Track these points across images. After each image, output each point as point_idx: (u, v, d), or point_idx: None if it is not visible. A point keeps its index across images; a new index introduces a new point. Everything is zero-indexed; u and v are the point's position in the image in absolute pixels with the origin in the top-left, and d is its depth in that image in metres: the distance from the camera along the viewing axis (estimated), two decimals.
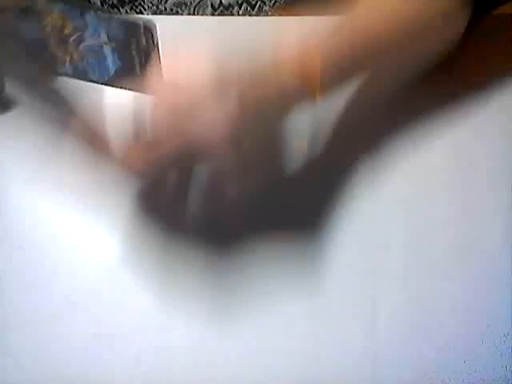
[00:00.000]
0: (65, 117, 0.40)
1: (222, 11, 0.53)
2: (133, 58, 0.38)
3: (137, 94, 0.35)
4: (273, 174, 0.41)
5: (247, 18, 0.51)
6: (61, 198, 0.42)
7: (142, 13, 0.60)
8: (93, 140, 0.36)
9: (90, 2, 0.48)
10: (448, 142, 0.45)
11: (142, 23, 0.38)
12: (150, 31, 0.37)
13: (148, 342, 0.37)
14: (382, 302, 0.39)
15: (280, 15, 0.39)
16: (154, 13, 0.61)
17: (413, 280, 0.40)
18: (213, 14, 0.54)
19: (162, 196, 0.40)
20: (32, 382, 0.36)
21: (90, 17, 0.39)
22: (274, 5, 0.50)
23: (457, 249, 0.41)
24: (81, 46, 0.41)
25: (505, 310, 0.38)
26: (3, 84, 0.43)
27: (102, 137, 0.36)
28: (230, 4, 0.53)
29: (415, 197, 0.43)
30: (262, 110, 0.34)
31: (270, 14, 0.40)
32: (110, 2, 0.57)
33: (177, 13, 0.55)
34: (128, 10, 0.59)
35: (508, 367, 0.37)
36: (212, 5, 0.53)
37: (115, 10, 0.59)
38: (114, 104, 0.37)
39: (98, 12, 0.39)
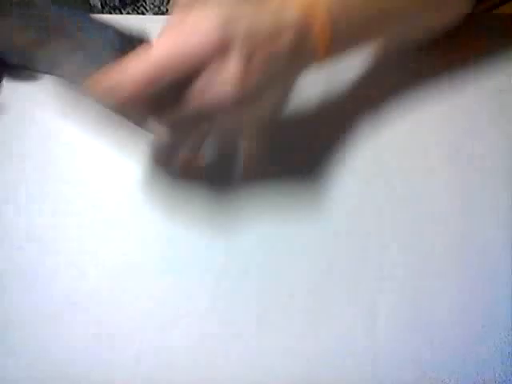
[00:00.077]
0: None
1: None
2: None
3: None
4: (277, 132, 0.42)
5: None
6: (61, 198, 0.42)
7: (143, 14, 0.60)
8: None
9: (90, 4, 0.48)
10: (448, 141, 0.45)
11: (135, 37, 0.38)
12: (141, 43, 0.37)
13: (148, 341, 0.37)
14: (382, 302, 0.39)
15: None
16: (156, 13, 0.61)
17: (413, 280, 0.39)
18: None
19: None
20: (32, 381, 0.36)
21: (85, 23, 0.39)
22: None
23: (457, 249, 0.41)
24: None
25: (505, 310, 0.38)
26: None
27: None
28: None
29: (415, 197, 0.43)
30: (270, 70, 0.34)
31: None
32: (112, 4, 0.57)
33: None
34: (130, 12, 0.59)
35: (508, 367, 0.37)
36: None
37: (117, 11, 0.59)
38: None
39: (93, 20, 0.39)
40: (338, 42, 0.38)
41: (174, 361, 0.37)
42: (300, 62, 0.37)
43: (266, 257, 0.40)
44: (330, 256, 0.40)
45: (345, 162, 0.44)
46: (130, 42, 0.38)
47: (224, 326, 0.38)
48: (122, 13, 0.58)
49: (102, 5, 0.54)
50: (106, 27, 0.39)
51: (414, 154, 0.45)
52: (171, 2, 0.51)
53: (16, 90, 0.47)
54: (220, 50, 0.32)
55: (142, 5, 0.58)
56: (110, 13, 0.57)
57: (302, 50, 0.36)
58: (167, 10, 0.59)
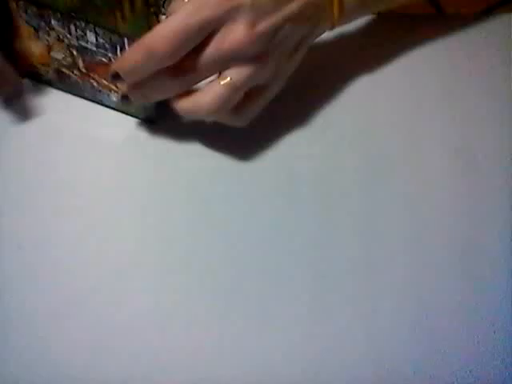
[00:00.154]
0: None
1: None
2: None
3: None
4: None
5: None
6: (61, 198, 0.42)
7: None
8: None
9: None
10: (448, 141, 0.45)
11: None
12: None
13: (148, 342, 0.37)
14: (382, 302, 0.39)
15: None
16: None
17: (413, 280, 0.40)
18: None
19: None
20: (32, 381, 0.36)
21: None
22: None
23: (457, 249, 0.41)
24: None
25: (506, 310, 0.38)
26: None
27: None
28: None
29: (415, 197, 0.43)
30: (278, 35, 0.39)
31: None
32: None
33: None
34: None
35: (509, 368, 0.37)
36: None
37: None
38: None
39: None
40: (350, 6, 0.43)
41: (174, 361, 0.37)
42: (312, 27, 0.41)
43: (266, 257, 0.40)
44: (330, 256, 0.40)
45: (344, 162, 0.44)
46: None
47: (224, 326, 0.38)
48: None
49: None
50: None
51: (414, 154, 0.45)
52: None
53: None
54: (229, 16, 0.37)
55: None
56: None
57: (314, 15, 0.41)
58: None
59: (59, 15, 0.41)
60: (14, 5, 0.42)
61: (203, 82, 0.40)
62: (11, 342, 0.37)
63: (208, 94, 0.39)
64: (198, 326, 0.38)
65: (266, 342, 0.37)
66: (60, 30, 0.42)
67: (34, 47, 0.44)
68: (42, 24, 0.42)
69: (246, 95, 0.40)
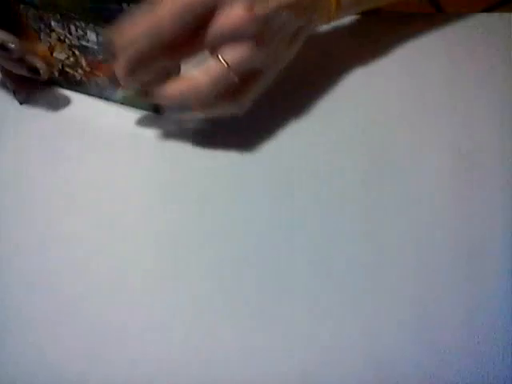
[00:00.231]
0: None
1: None
2: None
3: None
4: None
5: None
6: (61, 198, 0.42)
7: None
8: None
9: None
10: (448, 141, 0.45)
11: None
12: None
13: (148, 342, 0.37)
14: (382, 302, 0.39)
15: None
16: None
17: (413, 280, 0.39)
18: None
19: None
20: (32, 381, 0.36)
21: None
22: None
23: (457, 249, 0.41)
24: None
25: (506, 310, 0.38)
26: None
27: None
28: None
29: (415, 197, 0.43)
30: (274, 20, 0.39)
31: None
32: None
33: None
34: None
35: (509, 368, 0.37)
36: None
37: None
38: None
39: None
40: (347, 0, 0.44)
41: (174, 361, 0.37)
42: (309, 18, 0.42)
43: (267, 256, 0.40)
44: (330, 256, 0.40)
45: (344, 162, 0.44)
46: None
47: (224, 325, 0.38)
48: None
49: None
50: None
51: (415, 153, 0.45)
52: None
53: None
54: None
55: None
56: None
57: (311, 5, 0.42)
58: None
59: (59, 16, 0.41)
60: (18, 8, 0.42)
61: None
62: (8, 346, 0.36)
63: (206, 74, 0.39)
64: (198, 325, 0.38)
65: (266, 341, 0.37)
66: (60, 31, 0.42)
67: (38, 49, 0.44)
68: (43, 26, 0.42)
69: (243, 80, 0.40)
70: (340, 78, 0.48)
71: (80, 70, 0.45)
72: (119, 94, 0.45)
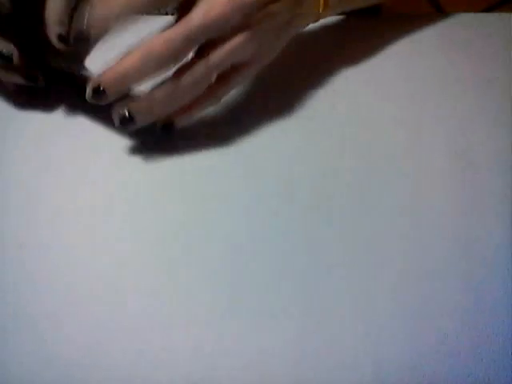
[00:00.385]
0: None
1: None
2: None
3: None
4: None
5: None
6: (61, 197, 0.42)
7: None
8: None
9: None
10: (448, 141, 0.45)
11: None
12: None
13: (148, 341, 0.37)
14: (380, 302, 0.39)
15: None
16: None
17: (413, 280, 0.39)
18: None
19: None
20: (32, 381, 0.36)
21: None
22: None
23: (457, 249, 0.41)
24: None
25: (506, 311, 0.38)
26: None
27: None
28: None
29: (414, 197, 0.43)
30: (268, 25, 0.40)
31: None
32: None
33: None
34: None
35: (509, 369, 0.37)
36: None
37: None
38: None
39: None
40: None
41: (174, 361, 0.37)
42: (296, 11, 0.42)
43: (267, 256, 0.40)
44: (330, 256, 0.40)
45: (344, 162, 0.44)
46: None
47: (224, 326, 0.38)
48: None
49: None
50: None
51: (414, 154, 0.45)
52: None
53: None
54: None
55: None
56: None
57: (299, 6, 0.41)
58: None
59: None
60: None
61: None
62: (10, 344, 0.36)
63: (188, 74, 0.39)
64: (199, 325, 0.38)
65: (266, 342, 0.37)
66: None
67: None
68: None
69: (223, 75, 0.40)
70: (339, 77, 0.48)
71: None
72: None
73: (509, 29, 0.51)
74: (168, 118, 0.42)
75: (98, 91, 0.38)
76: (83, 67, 0.43)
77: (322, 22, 0.47)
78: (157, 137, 0.45)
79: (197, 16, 0.37)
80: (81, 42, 0.38)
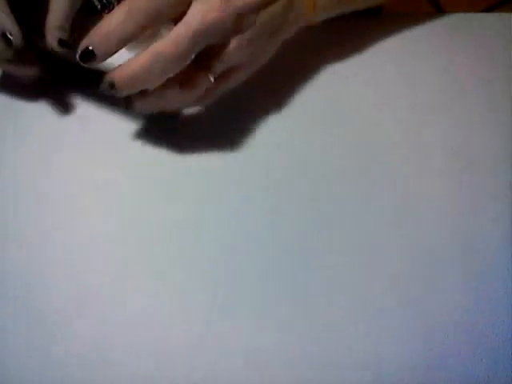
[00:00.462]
0: None
1: None
2: None
3: None
4: None
5: None
6: (61, 197, 0.42)
7: None
8: None
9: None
10: (447, 141, 0.45)
11: None
12: None
13: (148, 341, 0.37)
14: (379, 302, 0.39)
15: None
16: None
17: (413, 280, 0.39)
18: None
19: None
20: (32, 381, 0.36)
21: None
22: None
23: (457, 249, 0.41)
24: None
25: (506, 311, 0.38)
26: None
27: None
28: None
29: (414, 197, 0.43)
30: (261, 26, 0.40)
31: None
32: None
33: None
34: None
35: (509, 369, 0.37)
36: None
37: None
38: None
39: None
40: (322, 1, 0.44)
41: (174, 361, 0.37)
42: (286, 15, 0.42)
43: (268, 256, 0.40)
44: (330, 256, 0.40)
45: (342, 162, 0.44)
46: None
47: (224, 326, 0.38)
48: None
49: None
50: None
51: (413, 154, 0.45)
52: None
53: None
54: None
55: None
56: None
57: (290, 11, 0.42)
58: None
59: None
60: None
61: None
62: (10, 342, 0.37)
63: (191, 86, 0.40)
64: (198, 325, 0.38)
65: (267, 342, 0.37)
66: None
67: None
68: None
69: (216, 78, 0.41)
70: (339, 77, 0.48)
71: None
72: None
73: (509, 29, 0.51)
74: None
75: (112, 87, 0.39)
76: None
77: (322, 21, 0.47)
78: (157, 137, 0.45)
79: (195, 19, 0.37)
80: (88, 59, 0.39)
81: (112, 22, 0.38)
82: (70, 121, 0.46)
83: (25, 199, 0.42)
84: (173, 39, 0.37)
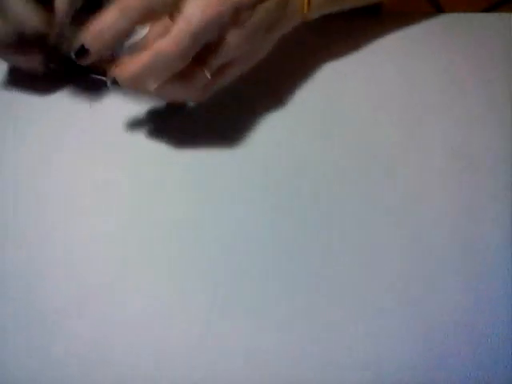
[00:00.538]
0: None
1: None
2: None
3: None
4: None
5: None
6: (61, 197, 0.42)
7: None
8: None
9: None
10: (447, 141, 0.45)
11: None
12: None
13: (148, 341, 0.37)
14: (381, 303, 0.39)
15: None
16: None
17: (413, 280, 0.39)
18: None
19: None
20: (32, 381, 0.36)
21: None
22: None
23: (457, 249, 0.41)
24: None
25: (506, 311, 0.38)
26: None
27: None
28: None
29: (414, 197, 0.43)
30: (257, 21, 0.40)
31: None
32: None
33: None
34: None
35: (509, 369, 0.37)
36: None
37: None
38: None
39: None
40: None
41: (174, 361, 0.37)
42: (282, 12, 0.42)
43: (269, 256, 0.40)
44: (330, 256, 0.40)
45: (342, 161, 0.44)
46: None
47: (224, 326, 0.38)
48: None
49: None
50: None
51: (414, 154, 0.45)
52: None
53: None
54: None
55: None
56: None
57: (286, 6, 0.42)
58: None
59: None
60: None
61: None
62: (10, 343, 0.37)
63: (190, 84, 0.40)
64: (198, 325, 0.38)
65: (267, 342, 0.37)
66: None
67: None
68: None
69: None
70: (337, 76, 0.48)
71: None
72: None
73: (509, 29, 0.51)
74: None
75: (114, 83, 0.40)
76: None
77: (322, 21, 0.47)
78: (157, 137, 0.45)
79: (194, 15, 0.37)
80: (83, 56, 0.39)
81: (106, 20, 0.38)
82: (70, 121, 0.46)
83: (25, 199, 0.42)
84: (174, 37, 0.37)
